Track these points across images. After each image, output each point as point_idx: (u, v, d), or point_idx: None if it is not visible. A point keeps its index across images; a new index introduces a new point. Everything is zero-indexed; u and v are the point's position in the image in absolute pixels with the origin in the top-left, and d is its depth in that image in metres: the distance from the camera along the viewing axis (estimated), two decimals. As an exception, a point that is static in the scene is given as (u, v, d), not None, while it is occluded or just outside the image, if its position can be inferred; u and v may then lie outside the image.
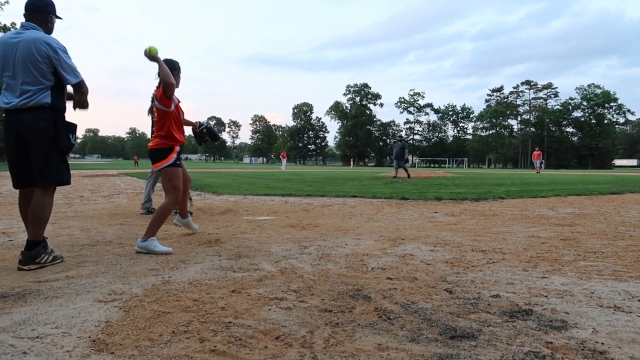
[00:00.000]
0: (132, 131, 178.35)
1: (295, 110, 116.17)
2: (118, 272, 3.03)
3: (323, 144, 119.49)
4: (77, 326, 2.03)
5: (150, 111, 5.90)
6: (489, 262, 3.35)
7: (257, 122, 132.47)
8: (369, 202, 8.31)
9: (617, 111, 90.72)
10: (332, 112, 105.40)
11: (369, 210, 6.92)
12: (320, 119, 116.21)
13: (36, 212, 3.19)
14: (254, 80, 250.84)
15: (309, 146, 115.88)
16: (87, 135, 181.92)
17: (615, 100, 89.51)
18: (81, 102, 3.31)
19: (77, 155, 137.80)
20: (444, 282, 2.80)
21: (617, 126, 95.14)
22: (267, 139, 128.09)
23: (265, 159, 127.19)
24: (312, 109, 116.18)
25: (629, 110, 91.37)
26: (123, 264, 3.29)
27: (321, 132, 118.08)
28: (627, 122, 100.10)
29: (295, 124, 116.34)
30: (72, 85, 3.26)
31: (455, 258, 3.49)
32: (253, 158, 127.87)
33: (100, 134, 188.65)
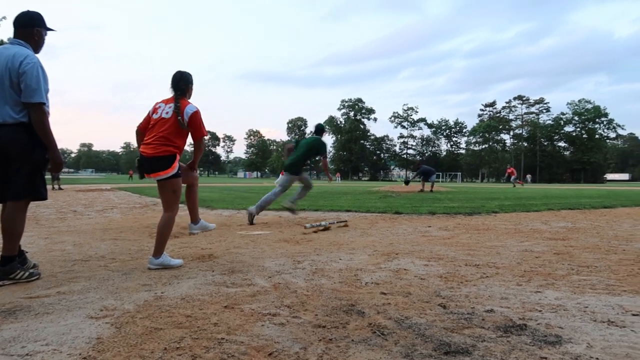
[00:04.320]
0: (127, 145, 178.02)
1: (290, 125, 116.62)
2: (110, 288, 3.00)
3: (317, 158, 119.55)
4: (67, 343, 2.01)
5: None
6: (483, 277, 3.35)
7: (252, 137, 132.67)
8: (362, 216, 8.31)
9: (608, 126, 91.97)
10: (327, 127, 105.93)
11: (362, 224, 6.92)
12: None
13: (7, 226, 3.13)
14: (251, 96, 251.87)
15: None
16: (81, 150, 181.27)
17: (606, 115, 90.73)
18: (52, 155, 3.17)
19: (71, 170, 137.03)
20: (438, 296, 2.79)
21: (608, 141, 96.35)
22: (262, 153, 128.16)
23: (259, 174, 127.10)
24: (306, 124, 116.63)
25: (619, 125, 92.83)
26: (115, 279, 3.27)
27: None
28: (618, 136, 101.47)
29: (289, 138, 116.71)
30: (26, 105, 3.08)
31: (449, 272, 3.48)
32: (247, 172, 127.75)
33: (94, 148, 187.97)
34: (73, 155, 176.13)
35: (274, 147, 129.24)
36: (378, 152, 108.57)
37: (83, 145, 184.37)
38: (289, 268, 3.65)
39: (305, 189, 7.91)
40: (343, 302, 2.66)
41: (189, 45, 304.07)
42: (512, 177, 37.86)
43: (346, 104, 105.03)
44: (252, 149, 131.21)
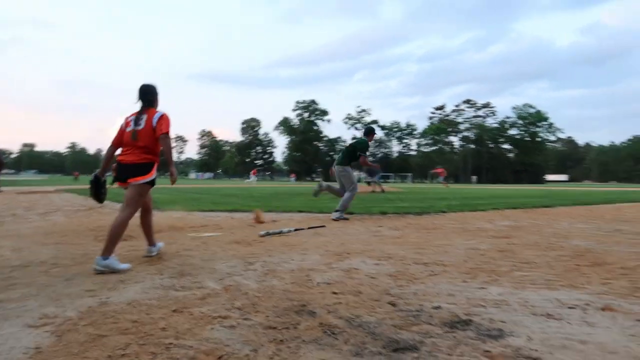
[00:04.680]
0: (72, 146, 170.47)
1: (244, 126, 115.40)
2: (51, 295, 2.87)
3: (270, 159, 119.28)
4: (3, 354, 1.90)
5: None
6: (431, 275, 3.44)
7: (205, 137, 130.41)
8: (315, 217, 8.34)
9: (549, 129, 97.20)
10: (281, 128, 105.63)
11: (315, 225, 6.94)
12: (268, 134, 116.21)
13: None
14: (204, 96, 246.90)
15: (257, 161, 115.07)
16: (23, 150, 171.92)
17: (547, 119, 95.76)
18: None
19: (12, 171, 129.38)
20: (388, 295, 2.85)
21: (548, 143, 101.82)
22: (215, 154, 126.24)
23: (213, 174, 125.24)
24: (260, 125, 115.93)
25: (559, 129, 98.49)
26: (57, 285, 3.12)
27: (269, 148, 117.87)
28: (557, 140, 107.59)
29: (243, 139, 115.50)
30: None
31: (398, 271, 3.56)
32: (200, 173, 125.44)
33: (36, 148, 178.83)
34: (14, 155, 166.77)
35: (227, 147, 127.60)
36: (332, 153, 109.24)
37: (25, 145, 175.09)
38: (241, 270, 3.61)
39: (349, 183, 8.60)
40: (294, 302, 2.66)
41: (139, 44, 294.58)
42: (441, 178, 37.78)
43: (300, 105, 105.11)
44: (205, 149, 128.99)
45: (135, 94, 4.11)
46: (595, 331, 2.18)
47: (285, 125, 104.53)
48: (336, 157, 8.63)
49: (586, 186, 52.90)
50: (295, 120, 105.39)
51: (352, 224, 7.07)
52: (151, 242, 4.34)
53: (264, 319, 2.35)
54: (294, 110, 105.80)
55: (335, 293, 2.88)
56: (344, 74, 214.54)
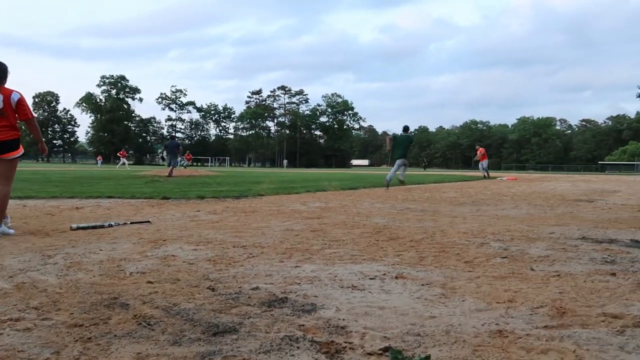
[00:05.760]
0: None
1: (37, 100, 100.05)
2: None
3: (72, 139, 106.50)
4: None
5: None
6: (250, 257, 3.52)
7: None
8: (127, 202, 7.78)
9: (354, 118, 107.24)
10: (84, 105, 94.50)
11: (126, 211, 6.48)
12: (69, 111, 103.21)
13: None
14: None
15: (55, 141, 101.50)
16: None
17: (352, 108, 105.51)
18: None
19: None
20: (207, 280, 2.82)
21: (353, 131, 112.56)
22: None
23: None
24: (58, 99, 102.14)
25: (362, 118, 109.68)
26: None
27: (70, 126, 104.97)
28: (361, 128, 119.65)
29: (37, 115, 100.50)
30: None
31: (217, 255, 3.55)
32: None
33: None
34: None
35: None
36: (144, 134, 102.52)
37: None
38: (37, 264, 3.18)
39: (404, 167, 13.26)
40: (104, 296, 2.45)
41: None
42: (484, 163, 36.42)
43: (107, 80, 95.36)
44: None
45: None
46: (391, 297, 2.50)
47: (88, 101, 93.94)
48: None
49: (384, 170, 59.78)
50: (101, 97, 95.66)
51: (168, 210, 6.79)
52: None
53: (68, 317, 2.12)
54: (99, 85, 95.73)
55: (150, 282, 2.73)
56: (156, 50, 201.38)
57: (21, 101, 4.49)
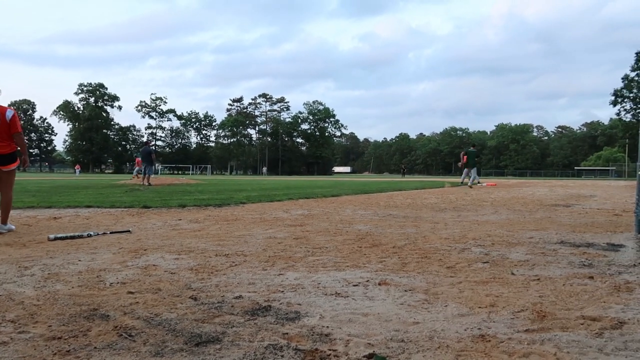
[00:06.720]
0: None
1: (13, 108, 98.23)
2: None
3: (50, 148, 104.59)
4: None
5: None
6: (232, 265, 3.49)
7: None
8: (106, 212, 7.65)
9: (335, 125, 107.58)
10: (61, 113, 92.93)
11: (106, 221, 6.38)
12: (46, 119, 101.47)
13: None
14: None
15: (31, 150, 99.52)
16: None
17: (334, 116, 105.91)
18: None
19: None
20: (189, 289, 2.79)
21: (335, 138, 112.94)
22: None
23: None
24: (34, 107, 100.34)
25: (343, 125, 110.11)
26: None
27: (47, 135, 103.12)
28: (342, 135, 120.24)
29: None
30: None
31: (199, 264, 3.51)
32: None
33: None
34: None
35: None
36: (124, 142, 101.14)
37: None
38: (13, 276, 3.10)
39: (475, 171, 19.48)
40: (84, 307, 2.40)
41: None
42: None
43: (85, 88, 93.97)
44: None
45: None
46: (375, 304, 2.51)
47: (66, 110, 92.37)
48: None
49: (365, 177, 60.10)
50: (79, 105, 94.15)
51: (149, 219, 6.70)
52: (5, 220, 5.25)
53: (46, 329, 2.07)
54: (77, 93, 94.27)
55: (131, 293, 2.69)
56: (135, 58, 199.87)
57: (14, 117, 5.12)
